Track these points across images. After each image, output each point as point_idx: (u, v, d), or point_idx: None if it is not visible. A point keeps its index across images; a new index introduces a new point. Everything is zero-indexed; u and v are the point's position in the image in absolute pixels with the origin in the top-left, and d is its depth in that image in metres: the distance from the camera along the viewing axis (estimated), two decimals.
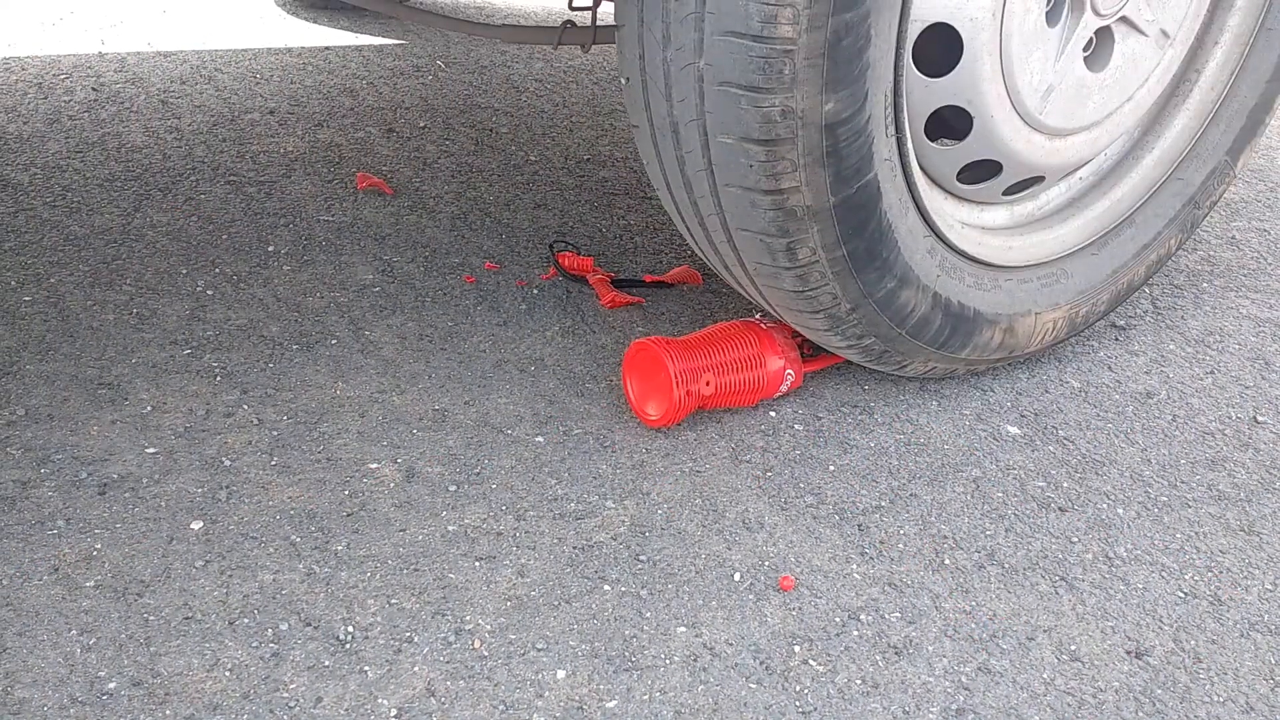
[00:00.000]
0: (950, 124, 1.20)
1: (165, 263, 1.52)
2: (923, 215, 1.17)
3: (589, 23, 1.43)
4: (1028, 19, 1.12)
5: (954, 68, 1.12)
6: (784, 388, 1.27)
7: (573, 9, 1.57)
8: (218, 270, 1.51)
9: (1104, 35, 1.22)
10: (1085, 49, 1.21)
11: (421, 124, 2.06)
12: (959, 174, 1.23)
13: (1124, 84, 1.28)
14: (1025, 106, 1.18)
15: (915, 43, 1.10)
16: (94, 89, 2.12)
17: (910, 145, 1.13)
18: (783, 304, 1.18)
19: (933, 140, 1.20)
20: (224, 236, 1.60)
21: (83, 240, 1.56)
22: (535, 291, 1.51)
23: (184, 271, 1.50)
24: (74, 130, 1.92)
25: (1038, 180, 1.31)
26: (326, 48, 2.46)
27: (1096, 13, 1.18)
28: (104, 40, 2.40)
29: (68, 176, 1.75)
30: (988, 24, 1.09)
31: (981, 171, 1.24)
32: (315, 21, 2.62)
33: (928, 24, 1.09)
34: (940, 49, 1.11)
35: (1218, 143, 1.42)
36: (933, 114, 1.17)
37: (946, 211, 1.26)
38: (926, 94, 1.14)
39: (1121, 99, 1.29)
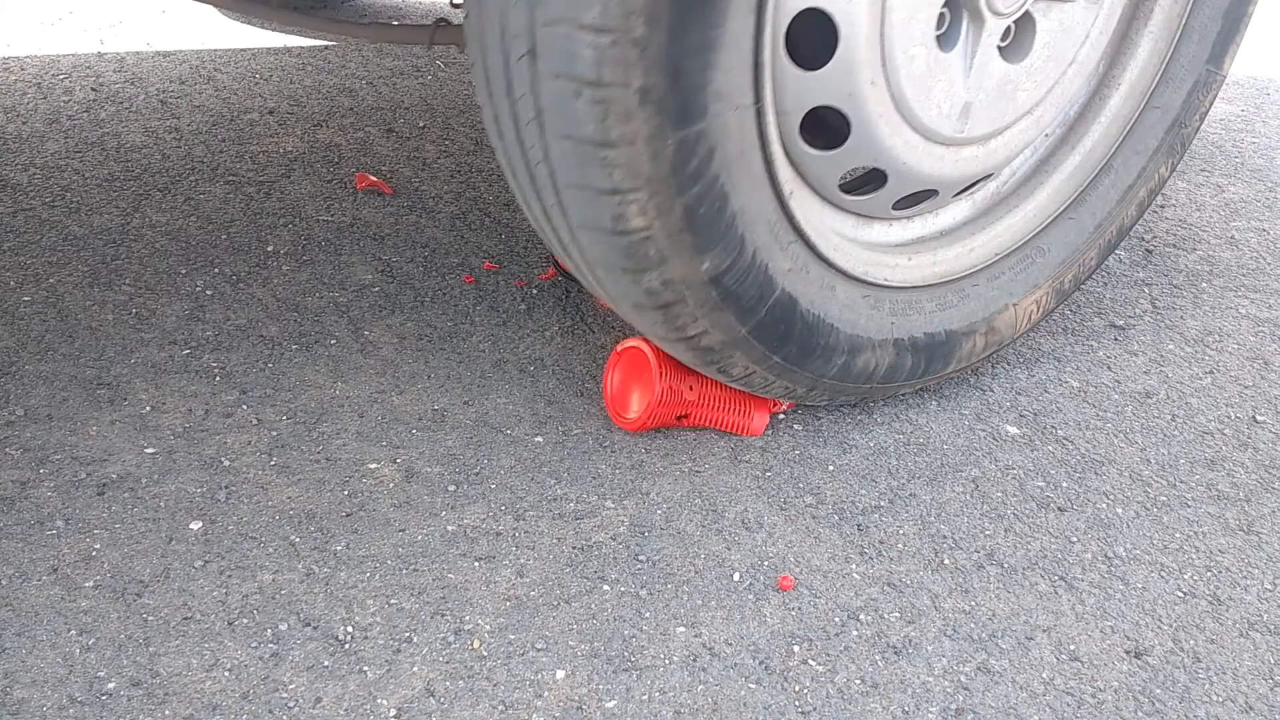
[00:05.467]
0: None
1: (164, 263, 1.52)
2: (857, 280, 1.14)
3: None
4: (914, 65, 1.04)
5: (848, 138, 1.07)
6: (785, 406, 1.27)
7: (454, 6, 1.55)
8: (217, 270, 1.51)
9: (1022, 22, 1.13)
10: (1003, 39, 1.11)
11: (421, 124, 2.06)
12: (895, 204, 1.18)
13: (1059, 56, 1.17)
14: (943, 135, 1.12)
15: (807, 120, 1.05)
16: (93, 89, 2.12)
17: (821, 240, 1.09)
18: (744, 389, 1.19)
19: (852, 191, 1.15)
20: (223, 236, 1.60)
21: (82, 240, 1.56)
22: (534, 291, 1.51)
23: (183, 271, 1.50)
24: (73, 130, 1.92)
25: (988, 176, 1.25)
26: (325, 47, 2.46)
27: (998, 14, 1.08)
28: (103, 40, 2.40)
29: (67, 176, 1.75)
30: (869, 95, 1.03)
31: (920, 196, 1.20)
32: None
33: (809, 109, 1.04)
34: (832, 122, 1.07)
35: (1194, 55, 1.30)
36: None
37: (892, 240, 1.21)
38: (830, 166, 1.10)
39: (1060, 70, 1.19)
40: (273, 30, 2.53)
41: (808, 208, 1.11)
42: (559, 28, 0.83)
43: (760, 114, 0.95)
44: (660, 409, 1.19)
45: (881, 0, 0.98)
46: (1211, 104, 1.36)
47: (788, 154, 1.07)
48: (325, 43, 2.47)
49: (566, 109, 0.87)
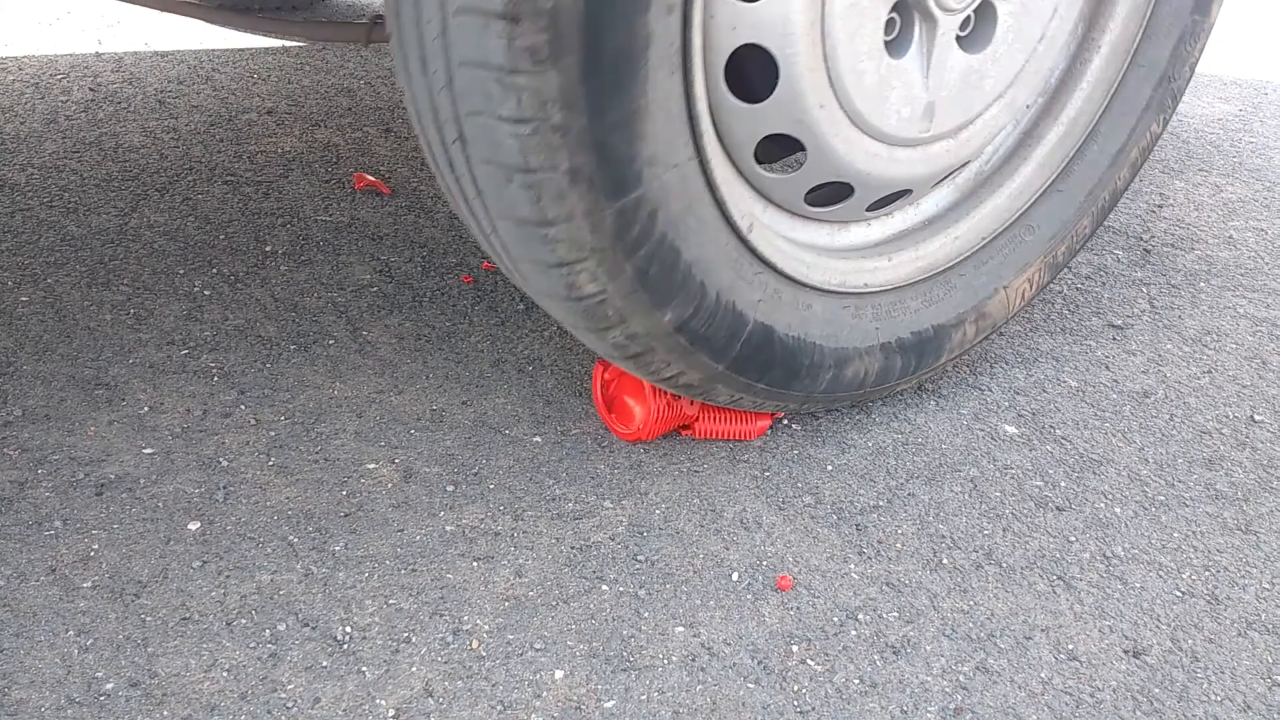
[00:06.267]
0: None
1: (162, 263, 1.52)
2: (835, 292, 1.13)
3: None
4: (865, 79, 1.01)
5: (804, 161, 1.06)
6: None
7: None
8: (215, 270, 1.51)
9: (981, 10, 1.08)
10: (962, 29, 1.07)
11: None
12: (869, 208, 1.17)
13: (1025, 37, 1.13)
14: (907, 138, 1.09)
15: (764, 144, 1.03)
16: (91, 89, 2.12)
17: (790, 264, 1.08)
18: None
19: (823, 201, 1.13)
20: (221, 236, 1.60)
21: (80, 240, 1.56)
22: None
23: (181, 271, 1.50)
24: (71, 130, 1.92)
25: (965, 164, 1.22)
26: (324, 47, 2.45)
27: (950, 10, 1.03)
28: (101, 40, 2.40)
29: (65, 176, 1.75)
30: (820, 117, 1.01)
31: (894, 196, 1.18)
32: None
33: (761, 138, 1.02)
34: (790, 145, 1.05)
35: (1178, 7, 1.25)
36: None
37: (873, 239, 1.20)
38: (793, 187, 1.08)
39: (1028, 50, 1.15)
40: None
41: (775, 230, 1.09)
42: (480, 119, 0.83)
43: (703, 164, 0.94)
44: (657, 426, 1.18)
45: (819, 24, 0.96)
46: (1201, 53, 1.31)
47: (747, 179, 1.06)
48: (322, 42, 2.47)
49: (501, 192, 0.87)
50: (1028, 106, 1.27)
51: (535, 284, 0.96)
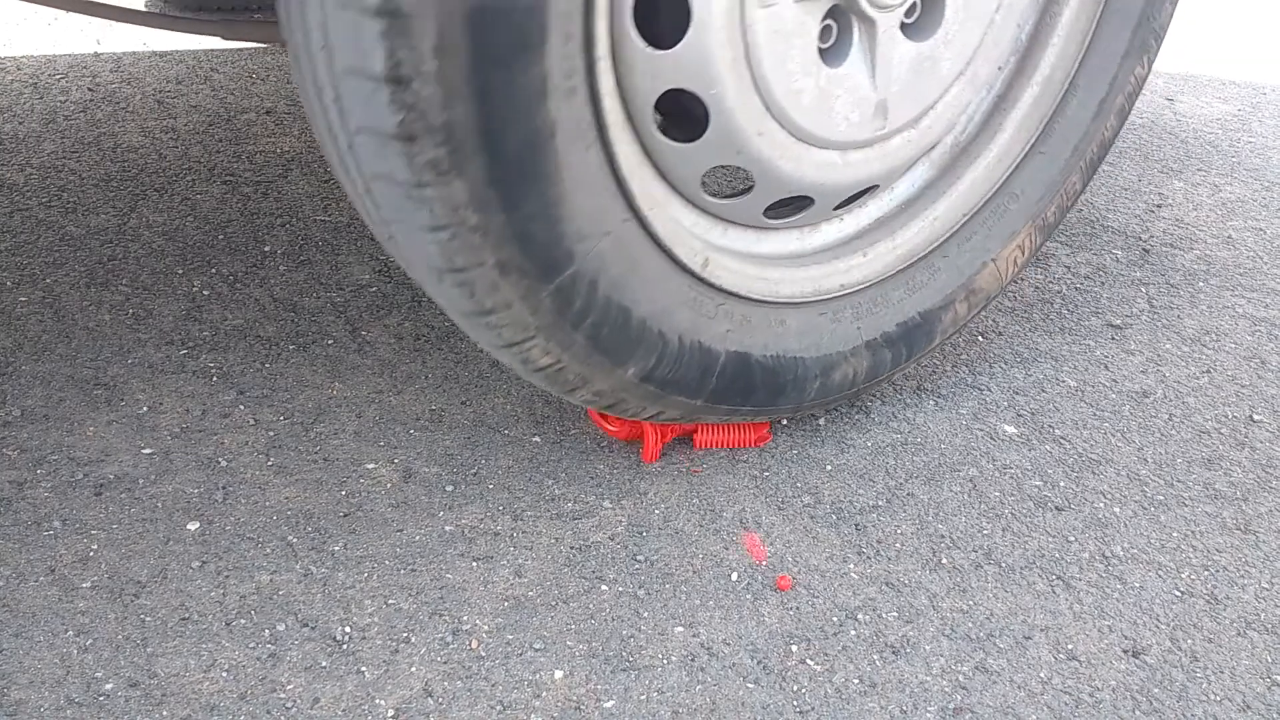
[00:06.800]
0: None
1: (161, 263, 1.52)
2: (808, 302, 1.12)
3: None
4: (803, 98, 0.97)
5: (754, 184, 1.04)
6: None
7: None
8: (214, 270, 1.51)
9: None
10: (908, 16, 1.03)
11: None
12: (836, 208, 1.14)
13: (978, 11, 1.08)
14: (862, 140, 1.06)
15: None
16: (90, 89, 2.12)
17: (755, 285, 1.07)
18: None
19: (772, 215, 1.11)
20: (220, 236, 1.60)
21: (79, 240, 1.56)
22: None
23: (180, 271, 1.50)
24: (70, 130, 1.92)
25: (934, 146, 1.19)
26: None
27: (886, 8, 0.99)
28: (99, 40, 2.40)
29: (64, 176, 1.75)
30: (760, 144, 0.98)
31: (861, 193, 1.15)
32: None
33: (706, 170, 1.00)
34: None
35: None
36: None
37: (847, 233, 1.17)
38: (748, 208, 1.07)
39: (984, 25, 1.09)
40: None
41: (738, 251, 1.08)
42: (400, 225, 0.84)
43: (642, 221, 0.93)
44: (656, 448, 1.18)
45: (745, 57, 0.92)
46: None
47: (702, 208, 1.05)
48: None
49: (438, 288, 0.88)
50: (1000, 69, 1.20)
51: (499, 359, 0.97)
